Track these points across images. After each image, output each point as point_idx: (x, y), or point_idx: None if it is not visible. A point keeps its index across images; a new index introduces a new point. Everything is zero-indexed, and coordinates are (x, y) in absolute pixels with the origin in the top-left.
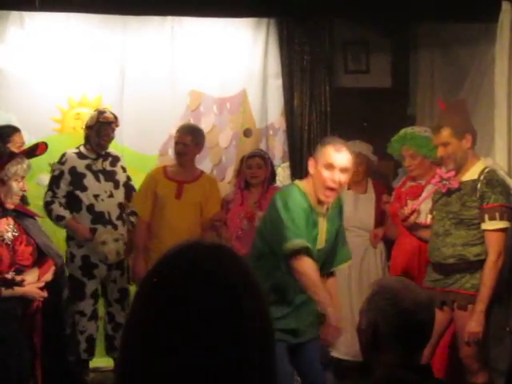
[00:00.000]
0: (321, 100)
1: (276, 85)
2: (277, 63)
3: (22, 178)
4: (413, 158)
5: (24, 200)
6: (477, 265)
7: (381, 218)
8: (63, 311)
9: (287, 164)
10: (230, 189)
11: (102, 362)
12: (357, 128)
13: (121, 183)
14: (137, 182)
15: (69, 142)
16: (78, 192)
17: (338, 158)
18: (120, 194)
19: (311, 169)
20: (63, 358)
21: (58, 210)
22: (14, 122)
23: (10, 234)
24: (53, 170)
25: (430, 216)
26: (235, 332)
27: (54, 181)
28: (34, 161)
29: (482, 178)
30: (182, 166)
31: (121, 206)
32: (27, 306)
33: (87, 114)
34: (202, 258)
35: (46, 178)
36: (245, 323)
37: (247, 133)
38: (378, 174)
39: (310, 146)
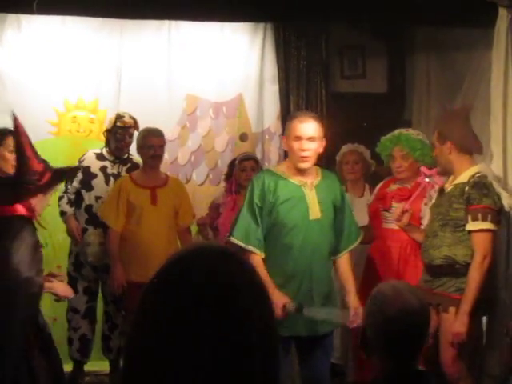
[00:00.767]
0: (317, 105)
1: (272, 89)
2: (273, 68)
3: None
4: (404, 159)
5: None
6: (463, 269)
7: None
8: None
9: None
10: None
11: (97, 365)
12: (353, 133)
13: None
14: None
15: (65, 145)
16: (83, 191)
17: (303, 128)
18: None
19: (284, 146)
20: None
21: (64, 205)
22: (10, 125)
23: None
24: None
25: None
26: (240, 337)
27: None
28: None
29: (471, 181)
30: (152, 170)
31: None
32: None
33: (83, 117)
34: (205, 263)
35: None
36: (249, 327)
37: (243, 137)
38: (376, 178)
39: None
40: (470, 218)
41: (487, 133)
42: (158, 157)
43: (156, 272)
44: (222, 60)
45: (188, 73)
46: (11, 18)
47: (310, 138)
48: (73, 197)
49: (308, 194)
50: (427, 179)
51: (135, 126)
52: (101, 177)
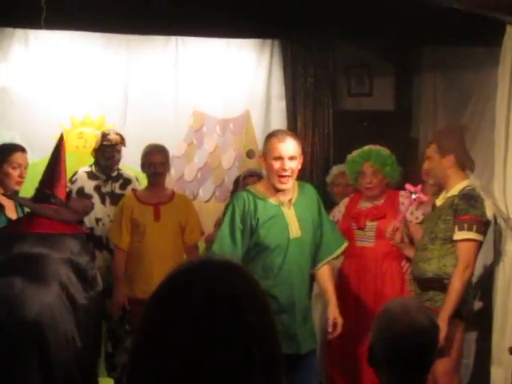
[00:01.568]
0: (324, 123)
1: (279, 107)
2: (280, 85)
3: None
4: (374, 175)
5: None
6: (449, 284)
7: None
8: None
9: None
10: None
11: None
12: None
13: None
14: None
15: (71, 161)
16: None
17: (283, 148)
18: None
19: (262, 165)
20: None
21: None
22: (18, 141)
23: None
24: None
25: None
26: (242, 349)
27: None
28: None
29: (460, 193)
30: (156, 187)
31: None
32: None
33: (90, 133)
34: (208, 275)
35: None
36: (252, 339)
37: (250, 154)
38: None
39: (313, 168)
40: (456, 227)
41: (492, 152)
42: (159, 174)
43: (159, 284)
44: (229, 77)
45: (195, 89)
46: (19, 33)
47: (291, 157)
48: None
49: (287, 213)
50: (413, 195)
51: (122, 142)
52: (96, 197)
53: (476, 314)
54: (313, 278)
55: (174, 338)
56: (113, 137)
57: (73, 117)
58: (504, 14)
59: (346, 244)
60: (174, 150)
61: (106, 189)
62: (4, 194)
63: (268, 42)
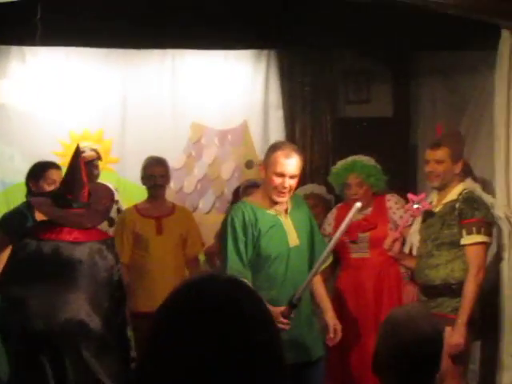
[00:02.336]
0: (322, 130)
1: (277, 116)
2: (278, 94)
3: None
4: (359, 186)
5: None
6: (458, 289)
7: None
8: None
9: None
10: None
11: None
12: None
13: (114, 220)
14: None
15: None
16: None
17: (287, 165)
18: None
19: (262, 173)
20: None
21: None
22: (17, 157)
23: None
24: None
25: (416, 246)
26: (248, 367)
27: None
28: None
29: (460, 197)
30: (156, 200)
31: None
32: None
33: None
34: (216, 292)
35: None
36: (258, 357)
37: (249, 164)
38: None
39: (313, 176)
40: (464, 232)
41: (492, 154)
42: (160, 186)
43: (164, 300)
44: (226, 88)
45: (193, 101)
46: (15, 50)
47: (293, 176)
48: None
49: (285, 223)
50: (416, 205)
51: (98, 156)
52: None
53: (482, 318)
54: None
55: (181, 352)
56: (89, 153)
57: (72, 132)
58: (499, 18)
59: (331, 257)
60: (173, 162)
61: None
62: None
63: (264, 52)
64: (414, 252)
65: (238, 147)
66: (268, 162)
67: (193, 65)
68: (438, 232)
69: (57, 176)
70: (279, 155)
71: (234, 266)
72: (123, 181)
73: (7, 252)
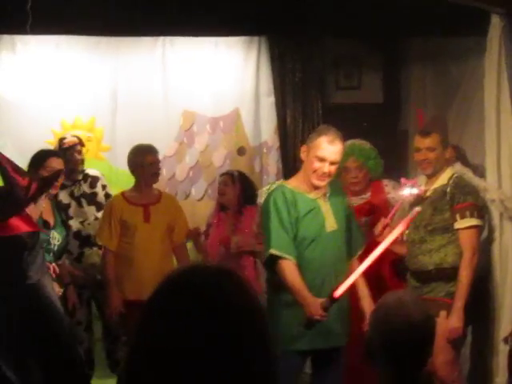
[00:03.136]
0: (313, 117)
1: (269, 102)
2: (269, 81)
3: None
4: (359, 170)
5: None
6: (452, 273)
7: None
8: None
9: (281, 181)
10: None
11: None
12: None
13: (103, 204)
14: None
15: None
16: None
17: (329, 151)
18: None
19: (303, 155)
20: None
21: None
22: (9, 147)
23: None
24: None
25: (406, 232)
26: (236, 358)
27: None
28: None
29: (450, 182)
30: (146, 188)
31: None
32: None
33: (81, 136)
34: (204, 282)
35: None
36: (246, 348)
37: (241, 151)
38: None
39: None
40: (458, 216)
41: (482, 139)
42: (157, 174)
43: (153, 291)
44: (217, 75)
45: (184, 89)
46: (5, 39)
47: (333, 162)
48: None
49: (323, 207)
50: (408, 190)
51: (80, 142)
52: (73, 203)
53: (473, 302)
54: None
55: (169, 342)
56: (70, 139)
57: (63, 120)
58: (489, 4)
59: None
60: (165, 149)
61: (79, 192)
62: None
63: (255, 39)
64: (399, 237)
65: (229, 134)
66: (311, 146)
67: (184, 53)
68: (430, 218)
69: (57, 164)
70: (323, 140)
71: (281, 243)
72: (115, 169)
73: None
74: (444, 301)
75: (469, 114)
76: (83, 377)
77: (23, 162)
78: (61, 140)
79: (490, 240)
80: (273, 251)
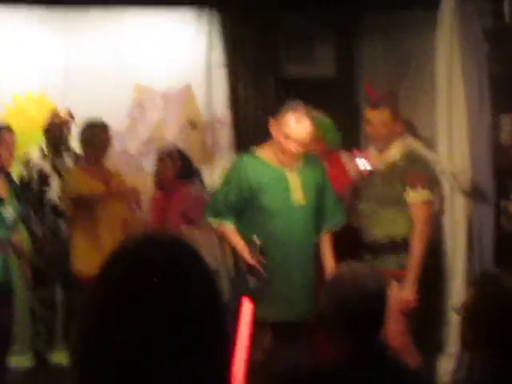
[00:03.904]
0: (265, 90)
1: (220, 76)
2: (221, 55)
3: None
4: (317, 142)
5: None
6: (402, 246)
7: None
8: None
9: (233, 156)
10: None
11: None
12: None
13: None
14: None
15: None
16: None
17: (296, 130)
18: None
19: (272, 129)
20: None
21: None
22: None
23: None
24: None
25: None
26: (188, 323)
27: None
28: None
29: (401, 155)
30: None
31: None
32: None
33: (32, 109)
34: (154, 252)
35: None
36: (197, 314)
37: (193, 125)
38: None
39: (256, 137)
40: (408, 189)
41: (434, 112)
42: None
43: (101, 265)
44: (169, 49)
45: (136, 63)
46: None
47: (300, 141)
48: None
49: (291, 178)
50: (361, 163)
51: (72, 117)
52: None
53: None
54: None
55: (121, 317)
56: (64, 116)
57: (15, 94)
58: None
59: (345, 220)
60: (117, 124)
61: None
62: None
63: (206, 11)
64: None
65: (181, 108)
66: (280, 122)
67: (136, 26)
68: (381, 190)
69: (9, 137)
70: (290, 117)
71: (216, 209)
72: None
73: None
74: (396, 273)
75: (420, 87)
76: None
77: None
78: (53, 114)
79: (440, 212)
80: (209, 220)
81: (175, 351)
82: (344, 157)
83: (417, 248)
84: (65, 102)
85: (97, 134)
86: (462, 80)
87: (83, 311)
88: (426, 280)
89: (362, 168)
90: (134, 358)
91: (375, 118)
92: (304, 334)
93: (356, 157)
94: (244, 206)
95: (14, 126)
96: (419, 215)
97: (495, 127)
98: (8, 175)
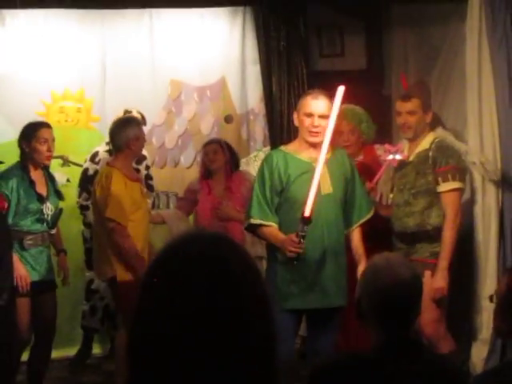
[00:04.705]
0: (298, 84)
1: (254, 71)
2: (254, 50)
3: None
4: (352, 133)
5: None
6: (435, 234)
7: None
8: None
9: (268, 148)
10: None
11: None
12: None
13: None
14: None
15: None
16: None
17: (315, 105)
18: None
19: (296, 121)
20: None
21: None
22: (0, 120)
23: None
24: (86, 169)
25: (390, 196)
26: (236, 319)
27: (89, 181)
28: None
29: (432, 146)
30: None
31: None
32: None
33: (70, 107)
34: (201, 250)
35: None
36: (245, 310)
37: (228, 119)
38: None
39: (290, 129)
40: (440, 179)
41: (463, 103)
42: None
43: (149, 264)
44: (203, 45)
45: (171, 59)
46: None
47: (322, 116)
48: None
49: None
50: (391, 156)
51: (143, 120)
52: None
53: (456, 263)
54: None
55: (169, 314)
56: (136, 115)
57: (53, 91)
58: None
59: (373, 209)
60: (154, 118)
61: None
62: None
63: (240, 9)
64: (384, 201)
65: (217, 102)
66: (299, 107)
67: (170, 23)
68: (414, 181)
69: (48, 135)
70: (307, 98)
71: (261, 212)
72: (105, 139)
73: None
74: (429, 261)
75: (450, 79)
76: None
77: (15, 134)
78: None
79: (472, 202)
80: (252, 221)
81: (223, 348)
82: (379, 149)
83: (448, 236)
84: (103, 98)
85: (133, 131)
86: (491, 71)
87: (135, 309)
88: (458, 269)
89: (395, 159)
90: (185, 349)
91: (405, 108)
92: (339, 322)
93: (389, 149)
94: (278, 200)
95: (52, 123)
96: (449, 204)
97: None
98: (47, 172)
